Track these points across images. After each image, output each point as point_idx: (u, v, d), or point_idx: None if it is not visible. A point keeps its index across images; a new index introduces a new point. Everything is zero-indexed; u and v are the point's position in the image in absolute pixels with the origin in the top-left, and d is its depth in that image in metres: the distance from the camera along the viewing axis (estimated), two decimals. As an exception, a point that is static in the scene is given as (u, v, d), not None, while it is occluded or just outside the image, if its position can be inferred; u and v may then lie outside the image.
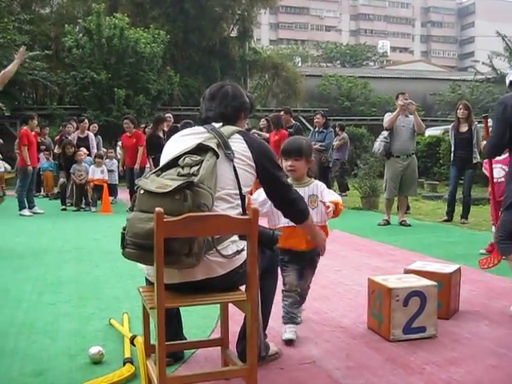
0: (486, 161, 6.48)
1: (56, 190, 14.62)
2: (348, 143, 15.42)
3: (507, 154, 4.49)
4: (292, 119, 11.74)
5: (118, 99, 20.75)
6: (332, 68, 48.14)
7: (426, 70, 42.43)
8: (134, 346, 3.24)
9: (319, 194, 3.60)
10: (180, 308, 3.17)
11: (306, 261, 3.64)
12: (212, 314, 3.90)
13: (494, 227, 5.44)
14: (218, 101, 3.03)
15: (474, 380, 3.03)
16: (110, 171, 13.04)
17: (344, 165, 14.96)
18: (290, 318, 3.58)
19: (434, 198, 13.36)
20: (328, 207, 3.44)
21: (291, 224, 3.32)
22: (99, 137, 14.66)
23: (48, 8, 27.58)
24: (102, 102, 21.10)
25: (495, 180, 5.53)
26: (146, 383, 2.81)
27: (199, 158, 2.59)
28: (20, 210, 10.66)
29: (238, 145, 2.85)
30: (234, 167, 2.77)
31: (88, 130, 13.80)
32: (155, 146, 10.89)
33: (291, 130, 10.88)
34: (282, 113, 11.57)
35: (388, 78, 34.55)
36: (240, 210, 2.75)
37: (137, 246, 2.47)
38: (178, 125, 11.40)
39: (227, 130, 2.89)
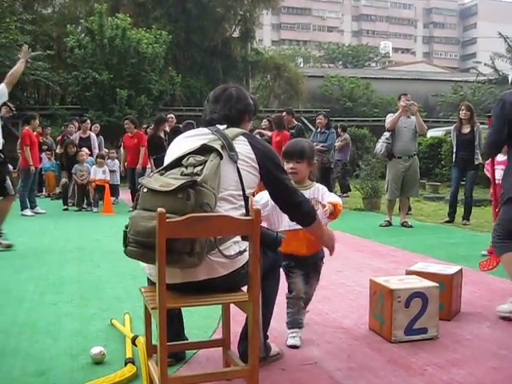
0: (487, 162, 6.49)
1: (58, 190, 14.66)
2: (350, 144, 15.41)
3: None
4: (294, 120, 11.75)
5: (120, 99, 20.77)
6: (334, 69, 48.12)
7: (428, 71, 42.41)
8: (136, 346, 3.24)
9: (320, 197, 3.56)
10: (182, 308, 3.17)
11: (309, 266, 3.60)
12: (213, 315, 3.90)
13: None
14: (222, 103, 3.04)
15: (476, 381, 3.03)
16: (111, 171, 13.06)
17: (346, 166, 14.96)
18: (295, 324, 3.56)
19: (435, 199, 13.36)
20: (324, 206, 3.41)
21: (292, 227, 3.33)
22: (101, 137, 14.66)
23: (50, 8, 27.63)
24: (104, 103, 21.11)
25: (497, 181, 5.52)
26: (147, 383, 2.81)
27: (203, 158, 2.59)
28: (22, 209, 10.67)
29: (242, 147, 2.85)
30: (238, 169, 2.78)
31: (90, 130, 13.81)
32: (156, 147, 10.92)
33: (293, 131, 10.88)
34: (284, 113, 11.57)
35: (390, 78, 34.52)
36: (243, 210, 2.76)
37: (139, 245, 2.47)
38: (180, 125, 11.43)
39: (231, 131, 2.89)
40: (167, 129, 11.68)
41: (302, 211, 3.05)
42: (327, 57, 63.63)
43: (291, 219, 3.17)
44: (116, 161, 13.84)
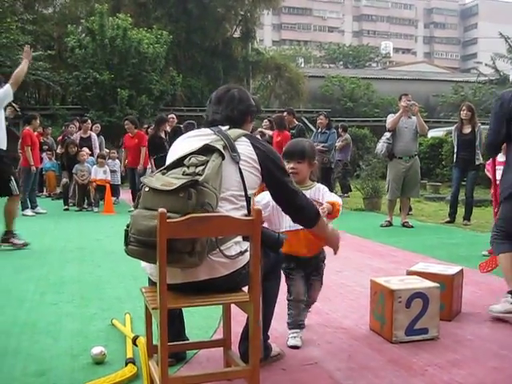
0: (488, 162, 6.48)
1: (58, 190, 14.65)
2: (350, 144, 15.40)
3: None
4: (295, 120, 11.74)
5: (121, 99, 20.79)
6: (335, 69, 48.12)
7: (429, 72, 42.46)
8: (136, 346, 3.24)
9: (320, 197, 3.53)
10: (182, 308, 3.17)
11: (311, 267, 3.57)
12: (214, 315, 3.90)
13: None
14: (224, 104, 3.04)
15: (476, 382, 3.03)
16: (112, 171, 13.06)
17: (346, 166, 14.95)
18: (296, 324, 3.56)
19: (436, 200, 13.35)
20: (321, 204, 3.37)
21: (293, 228, 3.32)
22: (102, 137, 14.67)
23: (51, 8, 27.67)
24: (105, 103, 21.13)
25: (498, 181, 5.52)
26: (148, 383, 2.81)
27: (205, 158, 2.60)
28: (23, 209, 10.66)
29: (245, 147, 2.86)
30: (240, 169, 2.78)
31: (91, 130, 13.81)
32: (157, 147, 10.91)
33: (294, 131, 10.88)
34: (284, 113, 11.58)
35: (391, 79, 34.57)
36: (244, 211, 2.75)
37: (140, 244, 2.48)
38: (181, 125, 11.43)
39: (234, 132, 2.89)
40: (168, 129, 11.68)
41: (305, 213, 3.05)
42: (328, 57, 63.63)
43: (294, 221, 3.17)
44: (117, 161, 13.85)
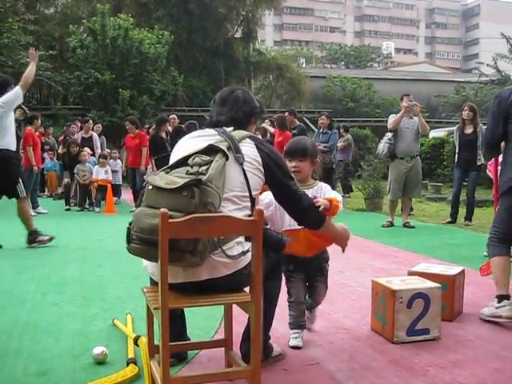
0: (490, 163, 6.47)
1: (60, 190, 14.66)
2: (352, 144, 15.41)
3: None
4: (296, 120, 11.74)
5: (122, 100, 20.79)
6: (336, 69, 48.20)
7: (431, 72, 42.46)
8: (138, 346, 3.24)
9: (322, 195, 3.44)
10: (184, 308, 3.17)
11: (313, 268, 3.54)
12: (215, 315, 3.89)
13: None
14: (229, 106, 3.04)
15: (478, 382, 3.03)
16: (113, 171, 13.07)
17: (348, 166, 14.96)
18: (297, 325, 3.56)
19: (437, 200, 13.35)
20: (315, 198, 3.25)
21: (292, 227, 3.31)
22: (103, 137, 14.69)
23: (52, 8, 27.68)
24: (106, 103, 21.14)
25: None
26: (149, 383, 2.81)
27: (209, 158, 2.61)
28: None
29: (249, 149, 2.86)
30: (244, 170, 2.78)
31: (92, 130, 13.82)
32: (158, 147, 10.91)
33: (295, 131, 10.88)
34: (286, 114, 11.58)
35: (392, 79, 34.57)
36: (247, 212, 2.75)
37: (142, 242, 2.49)
38: (183, 125, 11.44)
39: (238, 134, 2.90)
40: (170, 129, 11.68)
41: (309, 215, 3.05)
42: (329, 57, 63.66)
43: (300, 224, 3.17)
44: (118, 161, 13.86)
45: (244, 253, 2.65)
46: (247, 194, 2.80)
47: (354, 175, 15.10)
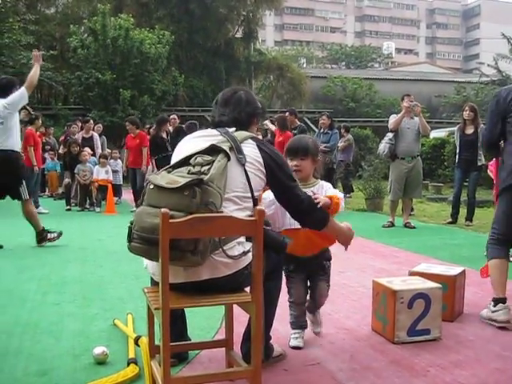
0: (491, 163, 6.46)
1: (60, 190, 14.67)
2: (353, 145, 15.40)
3: None
4: (297, 120, 11.73)
5: (123, 100, 20.80)
6: (337, 69, 48.26)
7: (431, 72, 42.46)
8: (139, 346, 3.24)
9: (323, 194, 3.40)
10: (184, 308, 3.16)
11: (314, 267, 3.52)
12: (216, 315, 3.89)
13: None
14: (231, 106, 3.04)
15: (479, 383, 3.02)
16: (114, 171, 13.07)
17: (349, 166, 14.95)
18: (298, 324, 3.56)
19: (438, 200, 13.34)
20: (315, 195, 3.23)
21: (292, 226, 3.29)
22: (104, 137, 14.69)
23: (53, 8, 27.71)
24: (107, 103, 21.16)
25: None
26: (150, 383, 2.82)
27: (211, 158, 2.62)
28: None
29: (251, 150, 2.86)
30: (246, 171, 2.79)
31: (93, 130, 13.82)
32: (158, 147, 10.91)
33: (295, 131, 10.87)
34: (286, 114, 11.58)
35: (393, 79, 34.57)
36: (248, 212, 2.75)
37: (143, 241, 2.49)
38: (183, 126, 11.44)
39: (240, 135, 2.90)
40: (170, 129, 11.68)
41: (312, 216, 3.06)
42: (330, 57, 63.71)
43: (303, 225, 3.16)
44: (119, 161, 13.86)
45: (245, 253, 2.65)
46: (249, 195, 2.80)
47: (355, 175, 15.08)
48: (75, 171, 12.26)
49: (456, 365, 3.24)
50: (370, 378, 3.07)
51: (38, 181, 11.97)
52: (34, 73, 7.18)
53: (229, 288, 2.64)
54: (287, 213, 3.20)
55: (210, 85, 26.35)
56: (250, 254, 2.59)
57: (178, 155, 2.86)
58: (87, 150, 12.70)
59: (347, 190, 14.75)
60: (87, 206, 12.15)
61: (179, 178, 2.50)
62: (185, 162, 2.65)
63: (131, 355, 3.23)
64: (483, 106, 23.44)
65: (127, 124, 12.01)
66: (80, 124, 14.25)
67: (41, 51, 8.62)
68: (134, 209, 9.90)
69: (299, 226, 3.24)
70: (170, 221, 2.30)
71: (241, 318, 3.12)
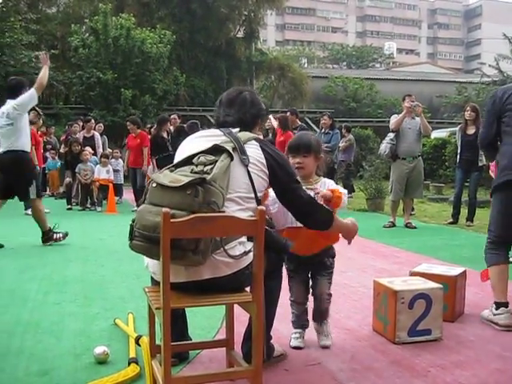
0: (493, 163, 6.46)
1: (61, 190, 14.67)
2: (354, 145, 15.40)
3: None
4: (298, 120, 11.74)
5: (124, 99, 20.80)
6: (338, 69, 48.21)
7: (433, 72, 42.41)
8: (139, 346, 3.24)
9: (326, 190, 3.38)
10: (185, 308, 3.16)
11: (314, 266, 3.49)
12: (217, 315, 3.89)
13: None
14: (236, 107, 3.04)
15: (479, 383, 3.03)
16: (115, 171, 13.07)
17: (350, 166, 14.94)
18: (299, 324, 3.56)
19: (439, 201, 13.34)
20: (316, 189, 3.25)
21: (294, 225, 3.26)
22: (105, 136, 14.70)
23: (54, 8, 27.69)
24: (108, 102, 21.16)
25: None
26: (150, 383, 2.81)
27: (214, 157, 2.62)
28: (26, 209, 10.65)
29: (254, 151, 2.87)
30: (249, 172, 2.79)
31: (94, 129, 13.82)
32: (159, 147, 10.90)
33: (296, 132, 10.87)
34: (288, 114, 11.58)
35: (394, 79, 34.52)
36: (250, 213, 2.74)
37: (145, 239, 2.49)
38: (184, 125, 11.43)
39: (244, 135, 2.90)
40: (171, 128, 11.68)
41: (316, 218, 3.06)
42: (331, 57, 63.70)
43: (308, 227, 3.14)
44: (120, 160, 13.85)
45: (246, 253, 2.65)
46: (252, 196, 2.80)
47: (356, 175, 15.08)
48: (76, 170, 12.27)
49: (457, 365, 3.24)
50: (371, 378, 3.07)
51: (39, 180, 11.95)
52: (44, 74, 7.22)
53: (230, 288, 2.64)
54: (287, 211, 3.19)
55: (212, 84, 26.35)
56: (251, 254, 2.59)
57: (181, 155, 2.86)
58: (88, 149, 12.71)
59: (348, 190, 14.65)
60: (88, 205, 12.15)
61: (182, 176, 2.50)
62: (188, 161, 2.65)
63: (132, 355, 3.23)
64: (484, 106, 23.41)
65: (128, 124, 12.02)
66: (81, 123, 14.25)
67: (43, 51, 8.64)
68: (135, 208, 9.91)
69: (300, 225, 3.23)
70: (172, 220, 2.30)
71: (241, 318, 3.11)
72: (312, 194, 3.24)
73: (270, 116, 12.02)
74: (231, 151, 2.69)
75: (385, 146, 9.06)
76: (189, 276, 2.57)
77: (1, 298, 4.72)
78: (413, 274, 4.18)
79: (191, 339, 3.29)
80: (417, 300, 3.55)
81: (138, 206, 2.62)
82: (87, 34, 22.71)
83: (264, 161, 2.87)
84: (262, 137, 9.15)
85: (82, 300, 4.67)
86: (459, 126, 9.54)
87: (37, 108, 9.19)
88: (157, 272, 2.62)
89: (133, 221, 2.58)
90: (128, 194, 13.44)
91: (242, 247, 2.66)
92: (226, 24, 27.89)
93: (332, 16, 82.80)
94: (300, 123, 11.73)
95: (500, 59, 27.14)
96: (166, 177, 2.55)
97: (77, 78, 21.83)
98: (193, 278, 2.58)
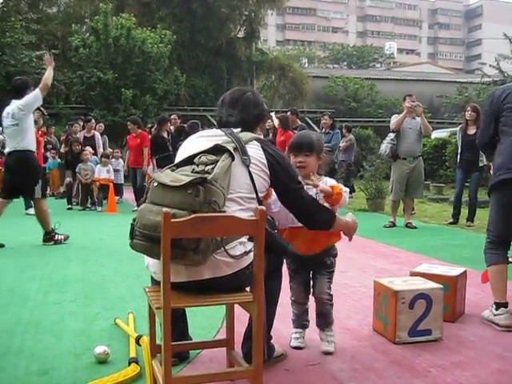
0: (493, 163, 6.44)
1: (62, 190, 14.68)
2: (354, 145, 15.39)
3: None
4: (298, 120, 11.73)
5: (125, 99, 20.80)
6: (339, 69, 48.21)
7: (433, 72, 42.41)
8: (140, 345, 3.24)
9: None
10: (185, 308, 3.16)
11: (315, 265, 3.46)
12: (217, 315, 3.89)
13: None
14: (240, 107, 3.04)
15: (480, 383, 3.02)
16: (115, 171, 13.07)
17: (350, 166, 14.93)
18: (299, 323, 3.56)
19: (439, 201, 13.34)
20: (317, 186, 3.22)
21: (295, 225, 3.26)
22: (105, 136, 14.68)
23: (55, 7, 27.70)
24: (109, 102, 21.17)
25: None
26: (151, 383, 2.81)
27: (215, 157, 2.62)
28: (26, 208, 10.68)
29: (255, 151, 2.87)
30: (250, 172, 2.79)
31: (94, 129, 13.82)
32: (159, 147, 10.91)
33: (297, 131, 10.87)
34: (288, 114, 11.58)
35: (395, 79, 34.51)
36: (251, 213, 2.73)
37: (145, 238, 2.50)
38: (185, 125, 11.43)
39: (245, 136, 2.90)
40: (172, 128, 11.68)
41: (317, 218, 3.07)
42: (332, 57, 63.70)
43: (310, 228, 3.14)
44: (120, 160, 13.86)
45: (246, 253, 2.65)
46: (253, 196, 2.80)
47: (356, 175, 15.08)
48: (77, 170, 12.27)
49: (457, 365, 3.24)
50: (371, 378, 3.07)
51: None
52: (48, 75, 7.27)
53: (230, 287, 2.64)
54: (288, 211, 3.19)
55: (212, 84, 26.35)
56: (252, 254, 2.59)
57: (182, 154, 2.86)
58: (89, 149, 12.70)
59: (349, 190, 14.72)
60: (88, 205, 12.15)
61: (183, 176, 2.51)
62: (189, 160, 2.65)
63: (132, 354, 3.23)
64: (485, 106, 23.39)
65: (129, 124, 12.02)
66: (82, 123, 14.25)
67: (44, 51, 8.66)
68: (136, 208, 9.91)
69: (300, 225, 3.22)
70: (172, 220, 2.30)
71: (242, 318, 3.11)
72: (313, 191, 3.24)
73: (272, 114, 12.02)
74: (232, 151, 2.69)
75: (385, 146, 9.05)
76: (189, 276, 2.57)
77: (1, 298, 4.72)
78: (413, 274, 4.18)
79: (191, 339, 3.29)
80: (417, 300, 3.55)
81: (138, 205, 2.63)
82: (88, 34, 22.73)
83: (265, 161, 2.87)
84: (262, 137, 9.16)
85: (82, 300, 4.67)
86: (460, 126, 9.54)
87: (41, 108, 9.21)
88: (157, 271, 2.62)
89: (134, 220, 2.58)
90: (128, 194, 13.44)
91: (242, 247, 2.66)
92: (227, 24, 27.88)
93: (332, 16, 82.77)
94: (300, 123, 11.73)
95: (500, 59, 27.13)
96: (167, 176, 2.55)
97: (77, 78, 21.84)
98: (193, 278, 2.58)
